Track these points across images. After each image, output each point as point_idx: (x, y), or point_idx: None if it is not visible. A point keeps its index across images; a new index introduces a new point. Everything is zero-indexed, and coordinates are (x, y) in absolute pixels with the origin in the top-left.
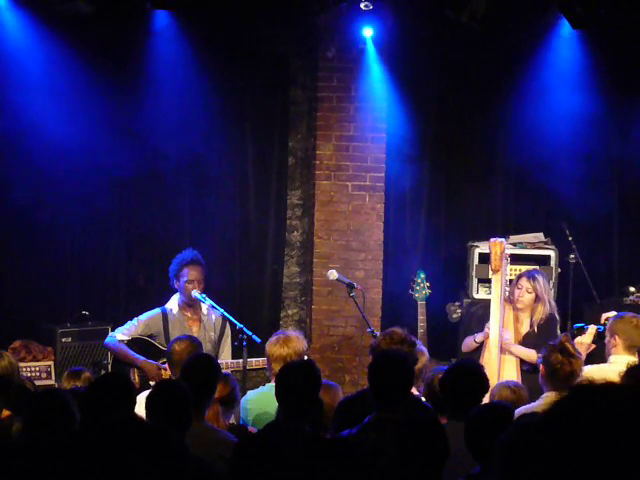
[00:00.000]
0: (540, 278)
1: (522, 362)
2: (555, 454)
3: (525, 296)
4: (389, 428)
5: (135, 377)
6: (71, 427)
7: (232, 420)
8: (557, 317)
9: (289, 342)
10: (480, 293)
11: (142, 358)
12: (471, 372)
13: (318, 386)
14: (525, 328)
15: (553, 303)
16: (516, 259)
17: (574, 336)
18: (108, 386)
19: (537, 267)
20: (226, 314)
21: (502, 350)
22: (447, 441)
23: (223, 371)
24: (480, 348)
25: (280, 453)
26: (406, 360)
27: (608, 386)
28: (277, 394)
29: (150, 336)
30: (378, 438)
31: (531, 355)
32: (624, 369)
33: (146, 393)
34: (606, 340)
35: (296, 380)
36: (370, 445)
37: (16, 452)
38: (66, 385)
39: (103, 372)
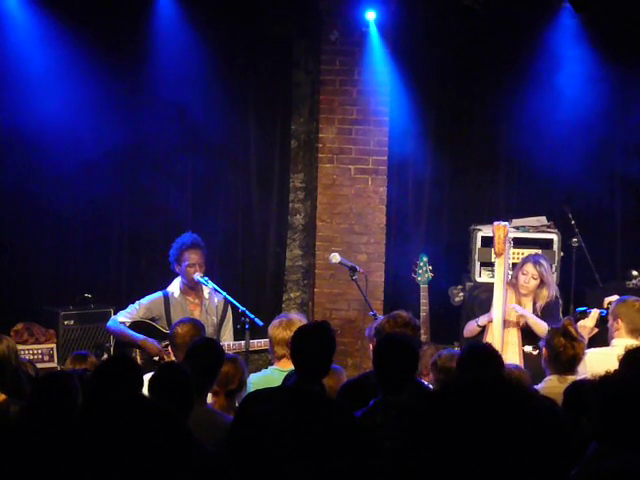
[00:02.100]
0: (545, 263)
1: (523, 343)
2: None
3: (531, 282)
4: (394, 411)
5: (138, 359)
6: (73, 409)
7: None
8: (560, 300)
9: (292, 325)
10: (483, 277)
11: (142, 337)
12: (485, 353)
13: (333, 347)
14: (528, 311)
15: (556, 286)
16: (519, 242)
17: (577, 320)
18: (115, 368)
19: (539, 251)
20: (228, 297)
21: (507, 324)
22: None
23: (229, 353)
24: (482, 332)
25: (286, 408)
26: (411, 343)
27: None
28: (292, 354)
29: (152, 319)
30: (383, 421)
31: (542, 326)
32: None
33: (150, 375)
34: (609, 324)
35: (311, 341)
36: (376, 428)
37: (15, 435)
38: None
39: (105, 355)
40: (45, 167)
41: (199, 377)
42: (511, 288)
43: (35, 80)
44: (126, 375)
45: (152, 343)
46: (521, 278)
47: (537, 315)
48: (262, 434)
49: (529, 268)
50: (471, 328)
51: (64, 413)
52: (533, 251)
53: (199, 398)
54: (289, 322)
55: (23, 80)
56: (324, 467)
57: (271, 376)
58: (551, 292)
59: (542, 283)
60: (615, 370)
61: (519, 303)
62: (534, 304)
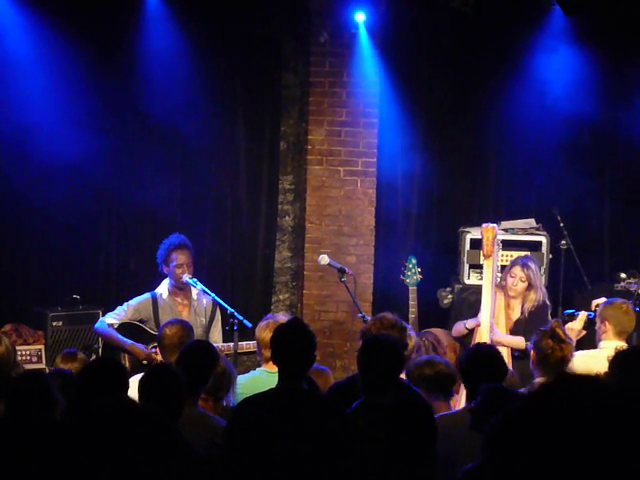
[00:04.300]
0: (533, 266)
1: (513, 348)
2: (542, 441)
3: (519, 285)
4: (378, 413)
5: (126, 361)
6: (52, 410)
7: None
8: (548, 303)
9: None
10: (471, 279)
11: (130, 342)
12: (488, 356)
13: (313, 342)
14: (516, 314)
15: (544, 289)
16: (507, 245)
17: (565, 322)
18: (100, 370)
19: (528, 253)
20: (217, 299)
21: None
22: (435, 425)
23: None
24: (471, 334)
25: (278, 407)
26: (395, 345)
27: (592, 378)
28: (273, 354)
29: (140, 321)
30: (366, 423)
31: (519, 342)
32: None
33: (138, 376)
34: (596, 326)
35: (290, 338)
36: (358, 430)
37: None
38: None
39: (94, 356)
40: (32, 167)
41: (191, 379)
42: (500, 290)
43: (30, 86)
44: (110, 377)
45: (139, 348)
46: (509, 281)
47: (524, 318)
48: (257, 439)
49: (517, 271)
50: (459, 328)
51: (41, 413)
52: (522, 253)
53: (190, 400)
54: (276, 323)
55: (16, 84)
56: (319, 466)
57: (259, 377)
58: (539, 295)
59: (530, 286)
60: (605, 372)
61: (508, 305)
62: (522, 306)
